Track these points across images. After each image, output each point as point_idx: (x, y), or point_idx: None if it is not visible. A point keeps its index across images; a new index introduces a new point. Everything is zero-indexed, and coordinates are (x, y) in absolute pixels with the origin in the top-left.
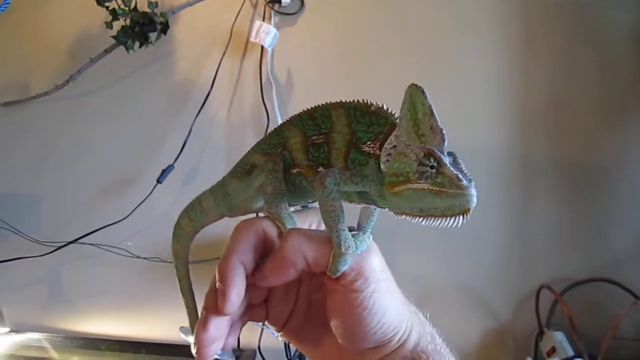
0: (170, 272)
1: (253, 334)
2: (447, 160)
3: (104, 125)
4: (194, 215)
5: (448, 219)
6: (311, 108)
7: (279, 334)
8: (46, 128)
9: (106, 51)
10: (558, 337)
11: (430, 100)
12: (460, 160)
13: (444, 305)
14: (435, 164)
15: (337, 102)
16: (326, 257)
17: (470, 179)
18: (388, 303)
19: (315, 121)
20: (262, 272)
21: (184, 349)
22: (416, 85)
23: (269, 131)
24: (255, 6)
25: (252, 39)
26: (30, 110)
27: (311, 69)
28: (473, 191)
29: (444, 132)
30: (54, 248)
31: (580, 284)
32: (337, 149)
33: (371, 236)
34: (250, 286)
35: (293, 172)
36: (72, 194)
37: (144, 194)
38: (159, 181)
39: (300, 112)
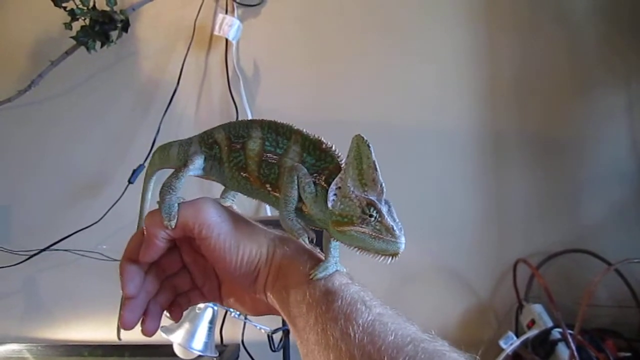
0: None
1: (236, 329)
2: (385, 210)
3: (70, 128)
4: (162, 156)
5: (379, 256)
6: (278, 122)
7: (262, 326)
8: (11, 135)
9: (67, 53)
10: (537, 310)
11: (375, 155)
12: (393, 210)
13: (425, 286)
14: (375, 214)
15: (299, 129)
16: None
17: (400, 228)
18: (238, 237)
19: (277, 136)
20: (142, 252)
21: (167, 349)
22: (363, 137)
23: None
24: None
25: (216, 33)
26: None
27: (277, 59)
28: (403, 239)
29: (383, 185)
30: (27, 257)
31: (555, 256)
32: None
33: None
34: (173, 276)
35: (242, 174)
36: (42, 200)
37: (116, 195)
38: (130, 181)
39: (270, 120)
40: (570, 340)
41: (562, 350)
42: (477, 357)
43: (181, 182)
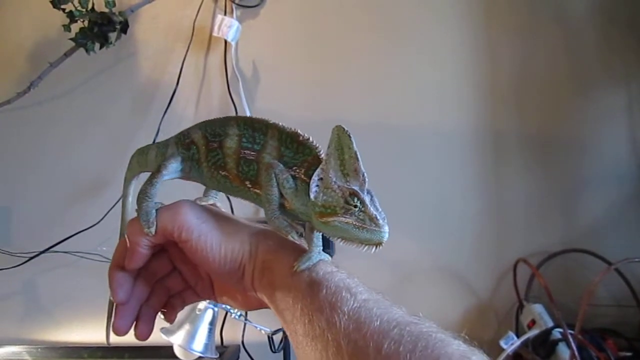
0: None
1: (236, 330)
2: (367, 200)
3: (70, 130)
4: (141, 160)
5: (363, 246)
6: (254, 118)
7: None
8: (10, 137)
9: (66, 55)
10: (537, 309)
11: (356, 145)
12: (375, 199)
13: (425, 286)
14: (359, 204)
15: (274, 123)
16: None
17: (384, 217)
18: (219, 236)
19: (253, 132)
20: (126, 260)
21: (167, 350)
22: (343, 128)
23: None
24: (216, 0)
25: (215, 34)
26: None
27: (277, 60)
28: (386, 228)
29: (365, 175)
30: (27, 259)
31: (556, 255)
32: None
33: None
34: (164, 277)
35: (221, 173)
36: (42, 202)
37: (116, 197)
38: None
39: (246, 116)
40: (570, 340)
41: (563, 350)
42: (465, 335)
43: (156, 187)
